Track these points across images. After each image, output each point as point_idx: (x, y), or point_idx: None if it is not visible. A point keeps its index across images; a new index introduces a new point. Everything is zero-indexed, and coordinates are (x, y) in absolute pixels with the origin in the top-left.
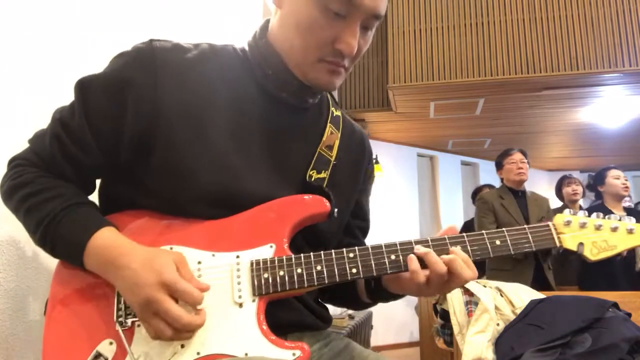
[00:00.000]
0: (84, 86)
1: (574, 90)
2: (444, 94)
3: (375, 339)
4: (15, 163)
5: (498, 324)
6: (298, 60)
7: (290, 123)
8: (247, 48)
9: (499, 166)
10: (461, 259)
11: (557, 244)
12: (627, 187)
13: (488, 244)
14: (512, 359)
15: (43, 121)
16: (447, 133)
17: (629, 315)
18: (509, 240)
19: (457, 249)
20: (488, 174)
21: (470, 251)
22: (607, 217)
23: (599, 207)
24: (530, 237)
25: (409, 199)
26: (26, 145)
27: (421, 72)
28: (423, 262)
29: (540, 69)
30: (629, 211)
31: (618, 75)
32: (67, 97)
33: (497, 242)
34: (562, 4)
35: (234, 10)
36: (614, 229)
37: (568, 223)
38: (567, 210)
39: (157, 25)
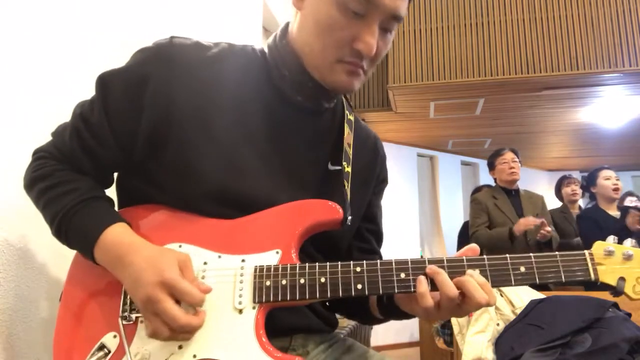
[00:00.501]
0: (104, 82)
1: (574, 90)
2: (444, 94)
3: (375, 339)
4: (37, 155)
5: (498, 324)
6: (317, 61)
7: (304, 126)
8: (266, 50)
9: (491, 167)
10: (476, 281)
11: (593, 277)
12: (617, 189)
13: (511, 270)
14: (512, 359)
15: (44, 121)
16: (447, 133)
17: (629, 315)
18: (535, 268)
19: (475, 272)
20: (488, 174)
21: (489, 276)
22: None
23: (594, 209)
24: (560, 266)
25: (409, 199)
26: (26, 145)
27: (421, 72)
28: (434, 284)
29: (540, 69)
30: (623, 210)
31: (618, 75)
32: (68, 96)
33: (522, 269)
34: (562, 4)
35: (233, 11)
36: None
37: (610, 253)
38: (610, 238)
39: (158, 25)
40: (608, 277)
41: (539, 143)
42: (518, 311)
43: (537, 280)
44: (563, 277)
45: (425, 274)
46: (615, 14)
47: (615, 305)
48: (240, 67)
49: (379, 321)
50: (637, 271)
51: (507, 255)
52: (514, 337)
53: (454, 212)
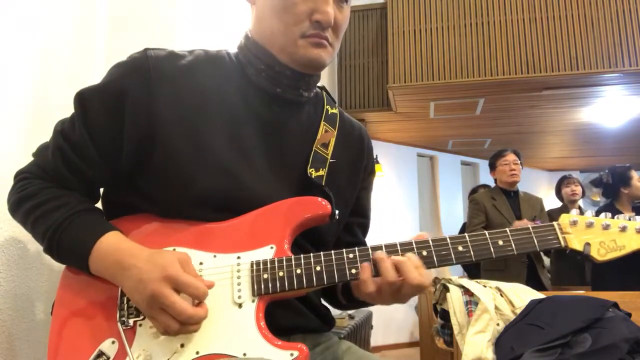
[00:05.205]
0: (82, 98)
1: (574, 90)
2: (444, 94)
3: (375, 339)
4: (20, 177)
5: (498, 324)
6: (282, 43)
7: (287, 121)
8: (238, 51)
9: (492, 167)
10: (412, 263)
11: (562, 244)
12: None
13: (490, 244)
14: (512, 359)
15: (44, 126)
16: (447, 133)
17: (629, 315)
18: (512, 241)
19: (411, 254)
20: (488, 174)
21: (472, 252)
22: (616, 217)
23: (609, 209)
24: (534, 237)
25: (409, 199)
26: (27, 150)
27: (421, 72)
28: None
29: (541, 69)
30: (638, 210)
31: (618, 75)
32: (69, 101)
33: (500, 242)
34: (562, 4)
35: (233, 11)
36: (623, 229)
37: (574, 223)
38: (574, 211)
39: (158, 27)
40: (575, 243)
41: (539, 143)
42: (518, 311)
43: (515, 250)
44: (537, 246)
45: (373, 259)
46: (615, 14)
47: (615, 305)
48: (218, 71)
49: (345, 306)
50: (599, 236)
51: (486, 232)
52: (514, 337)
53: (454, 212)
